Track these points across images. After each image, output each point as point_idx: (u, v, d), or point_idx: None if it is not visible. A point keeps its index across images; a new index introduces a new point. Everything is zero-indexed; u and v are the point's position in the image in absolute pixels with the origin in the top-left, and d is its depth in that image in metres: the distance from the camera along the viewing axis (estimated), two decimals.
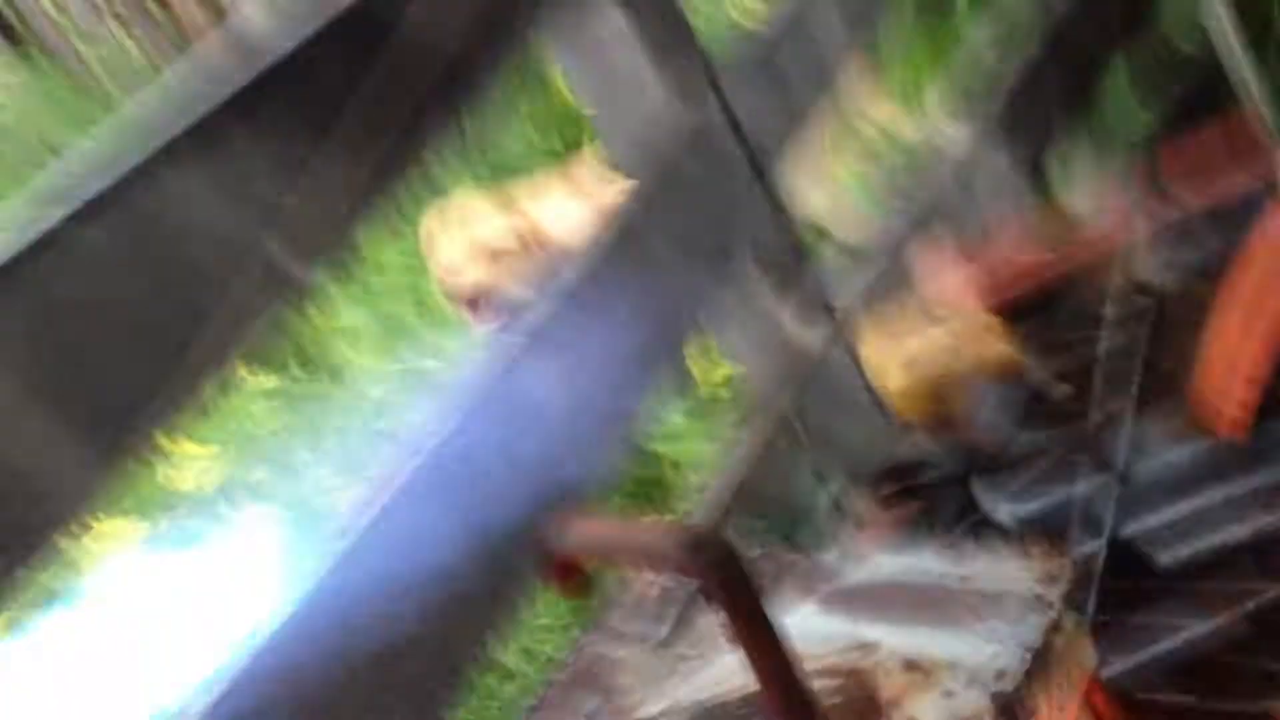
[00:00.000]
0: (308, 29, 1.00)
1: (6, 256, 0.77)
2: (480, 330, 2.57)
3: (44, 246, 0.79)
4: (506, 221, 2.54)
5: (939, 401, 1.05)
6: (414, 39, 1.04)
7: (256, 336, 0.87)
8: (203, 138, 0.89)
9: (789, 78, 1.51)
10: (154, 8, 5.14)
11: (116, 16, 5.30)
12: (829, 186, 2.54)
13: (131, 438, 0.79)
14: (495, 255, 2.50)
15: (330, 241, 0.94)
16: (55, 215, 0.80)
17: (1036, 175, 1.74)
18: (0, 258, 0.76)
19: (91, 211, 0.81)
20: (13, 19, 5.57)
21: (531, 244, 2.52)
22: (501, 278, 2.50)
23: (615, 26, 1.31)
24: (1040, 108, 1.80)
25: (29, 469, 0.76)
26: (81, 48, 5.49)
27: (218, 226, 0.88)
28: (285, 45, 0.98)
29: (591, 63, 1.33)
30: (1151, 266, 1.01)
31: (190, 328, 0.83)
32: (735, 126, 1.41)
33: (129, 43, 5.32)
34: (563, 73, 1.35)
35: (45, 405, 0.77)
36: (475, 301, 2.49)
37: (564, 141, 3.08)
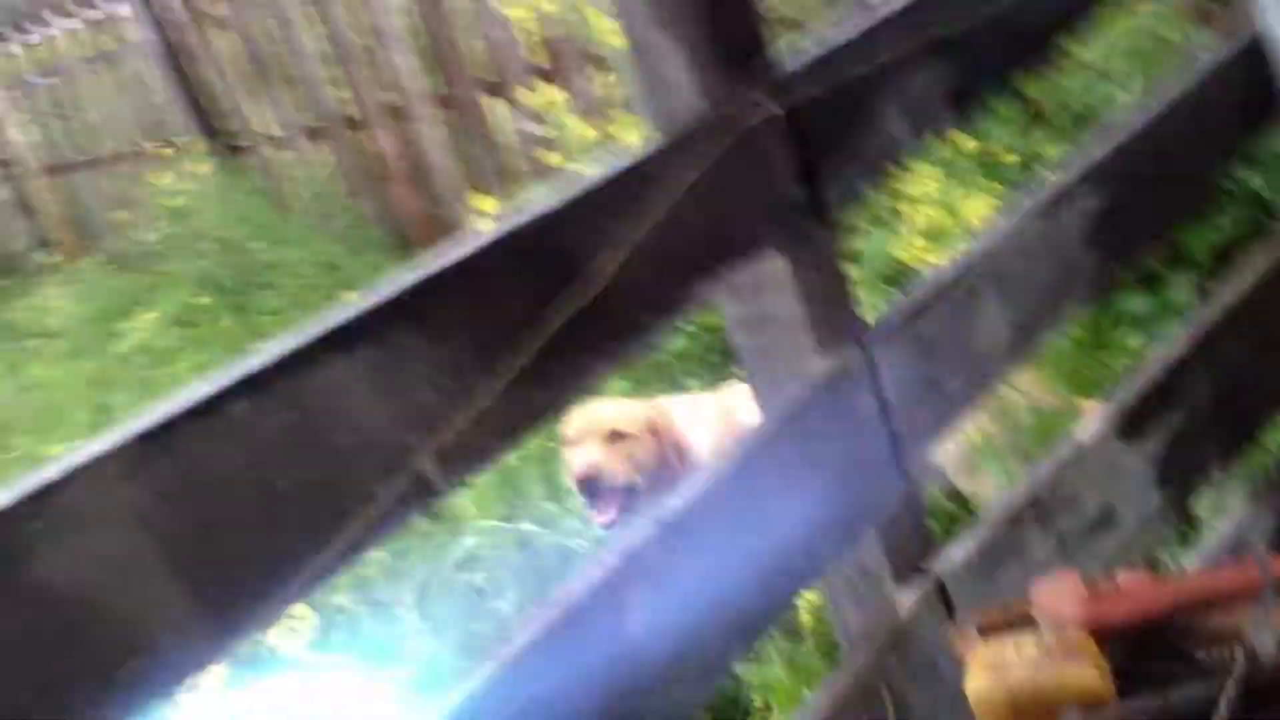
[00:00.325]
0: (482, 239, 1.07)
1: (161, 421, 0.82)
2: (584, 507, 2.61)
3: (200, 414, 0.84)
4: (641, 410, 2.59)
5: (1015, 714, 1.03)
6: (597, 270, 1.10)
7: (391, 535, 0.91)
8: (371, 331, 0.96)
9: (937, 342, 1.52)
10: (347, 132, 5.42)
11: (308, 131, 5.59)
12: (957, 436, 2.54)
13: (259, 610, 0.83)
14: (618, 438, 2.55)
15: (479, 461, 0.99)
16: (217, 386, 0.86)
17: (1180, 508, 1.73)
18: (157, 422, 0.82)
19: (250, 387, 0.87)
20: (214, 115, 5.93)
21: (659, 437, 2.57)
22: (617, 461, 2.54)
23: (775, 271, 1.35)
24: (1199, 448, 1.78)
25: (153, 627, 0.80)
26: (270, 154, 5.80)
27: (372, 424, 0.93)
28: (462, 250, 1.05)
29: (747, 301, 1.38)
30: (1263, 627, 0.99)
31: (329, 518, 0.88)
32: (875, 385, 1.43)
33: (315, 158, 5.61)
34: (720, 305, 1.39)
35: (177, 567, 0.82)
36: (586, 478, 2.53)
37: (719, 362, 3.16)
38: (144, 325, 5.34)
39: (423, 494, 0.94)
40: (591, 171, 1.19)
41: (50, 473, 0.79)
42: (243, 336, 5.11)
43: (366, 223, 5.37)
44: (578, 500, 2.62)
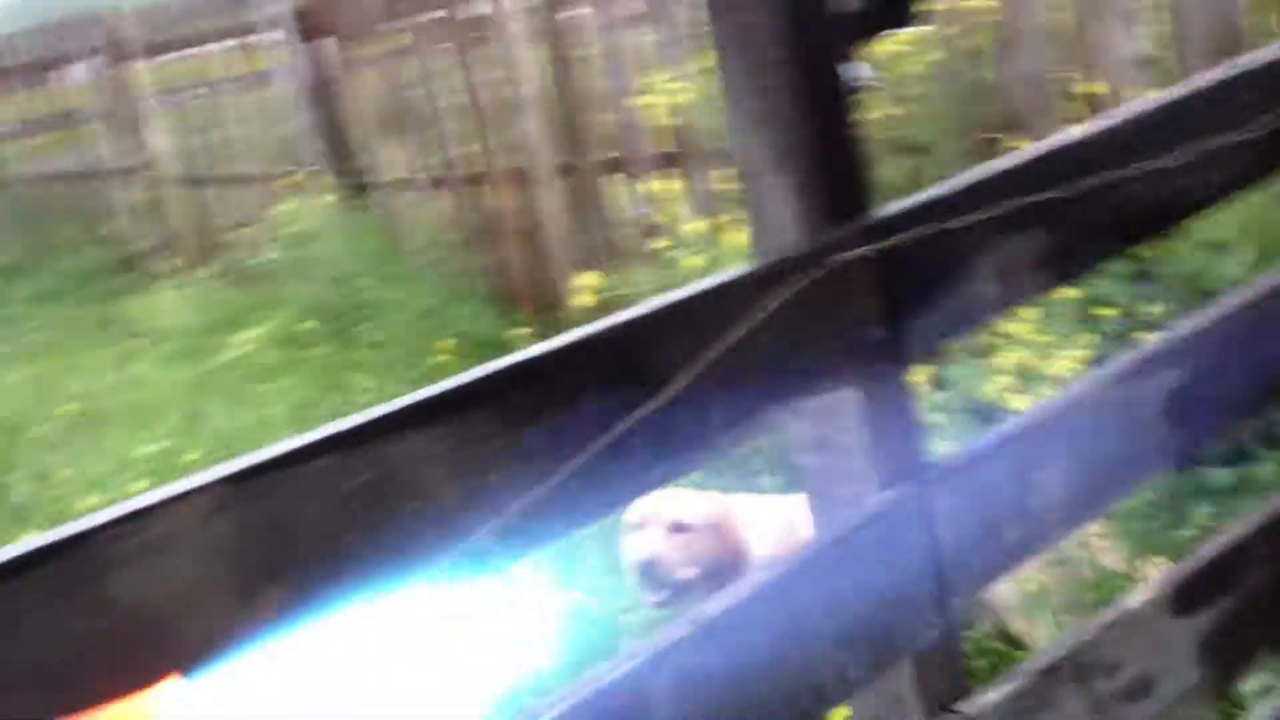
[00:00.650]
0: (569, 338, 1.15)
1: (253, 465, 0.91)
2: (637, 588, 2.66)
3: (289, 463, 0.92)
4: (707, 505, 2.65)
5: None
6: (673, 381, 1.17)
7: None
8: (454, 410, 1.03)
9: (998, 491, 1.56)
10: (469, 186, 5.59)
11: (433, 180, 5.78)
12: (1016, 581, 2.55)
13: None
14: (681, 530, 2.60)
15: (537, 542, 1.06)
16: (308, 440, 0.94)
17: (1224, 688, 1.73)
18: (250, 465, 0.91)
19: (338, 445, 0.95)
20: (345, 150, 6.14)
21: (721, 535, 2.62)
22: (677, 552, 2.60)
23: (846, 401, 1.40)
24: (1251, 632, 1.78)
25: (215, 648, 0.88)
26: (392, 196, 5.98)
27: (441, 495, 1.00)
28: (548, 346, 1.13)
29: (815, 424, 1.43)
30: None
31: (389, 575, 0.96)
32: (929, 523, 1.47)
33: (435, 206, 5.79)
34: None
35: (245, 598, 0.90)
36: (644, 564, 2.59)
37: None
38: (247, 341, 5.52)
39: (479, 565, 1.00)
40: (685, 288, 1.26)
41: (150, 498, 0.87)
42: (338, 365, 5.26)
43: (474, 274, 5.51)
44: (632, 580, 2.67)
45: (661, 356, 1.20)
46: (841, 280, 1.34)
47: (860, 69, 1.34)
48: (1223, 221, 3.12)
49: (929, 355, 1.45)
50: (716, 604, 1.26)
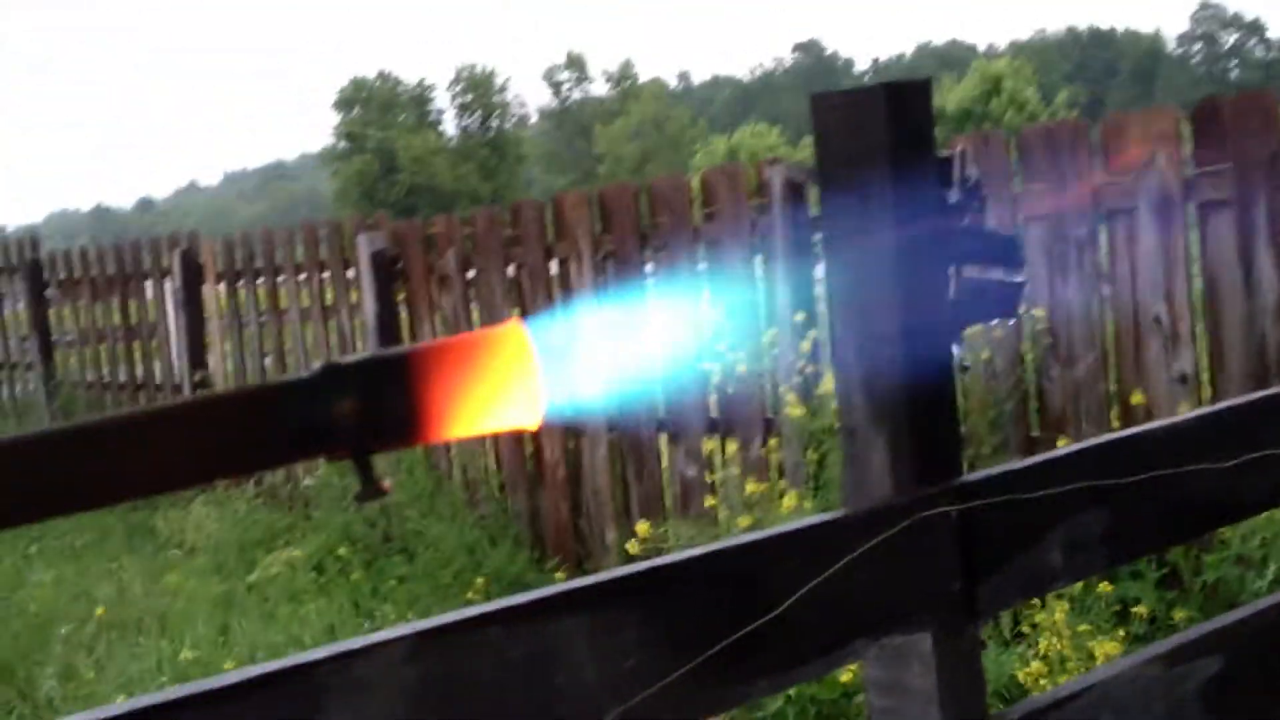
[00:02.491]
0: (698, 552, 1.29)
1: (439, 625, 1.05)
2: None
3: (467, 628, 1.06)
4: None
5: None
6: (775, 603, 1.31)
7: None
8: (601, 600, 1.17)
9: None
10: (515, 434, 5.79)
11: None
12: None
13: None
14: None
15: None
16: (482, 611, 1.08)
17: None
18: (437, 625, 1.04)
19: (505, 618, 1.09)
20: None
21: None
22: None
23: (921, 647, 1.53)
24: None
25: None
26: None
27: (582, 673, 1.13)
28: (682, 557, 1.27)
29: (888, 666, 1.55)
30: None
31: None
32: None
33: (483, 446, 5.96)
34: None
35: None
36: None
37: None
38: (281, 561, 5.62)
39: None
40: (793, 522, 1.41)
41: (354, 644, 1.00)
42: (367, 594, 5.35)
43: (513, 517, 5.64)
44: None
45: (770, 579, 1.34)
46: (926, 535, 1.49)
47: (958, 349, 1.53)
48: (1252, 539, 3.25)
49: (997, 612, 1.58)
50: None
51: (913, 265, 1.50)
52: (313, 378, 0.83)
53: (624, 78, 78.14)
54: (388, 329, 6.34)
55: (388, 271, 6.36)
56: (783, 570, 1.37)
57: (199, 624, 5.03)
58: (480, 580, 5.06)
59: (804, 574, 1.37)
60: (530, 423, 0.87)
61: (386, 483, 0.88)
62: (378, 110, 65.78)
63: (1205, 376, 3.69)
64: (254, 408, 0.84)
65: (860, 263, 1.52)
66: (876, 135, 1.48)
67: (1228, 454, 1.78)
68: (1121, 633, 3.13)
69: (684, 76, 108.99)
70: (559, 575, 4.93)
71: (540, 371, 0.86)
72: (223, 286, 7.99)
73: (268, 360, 7.64)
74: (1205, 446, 1.76)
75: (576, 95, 79.57)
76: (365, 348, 6.52)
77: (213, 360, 8.00)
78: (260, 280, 7.63)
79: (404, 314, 6.42)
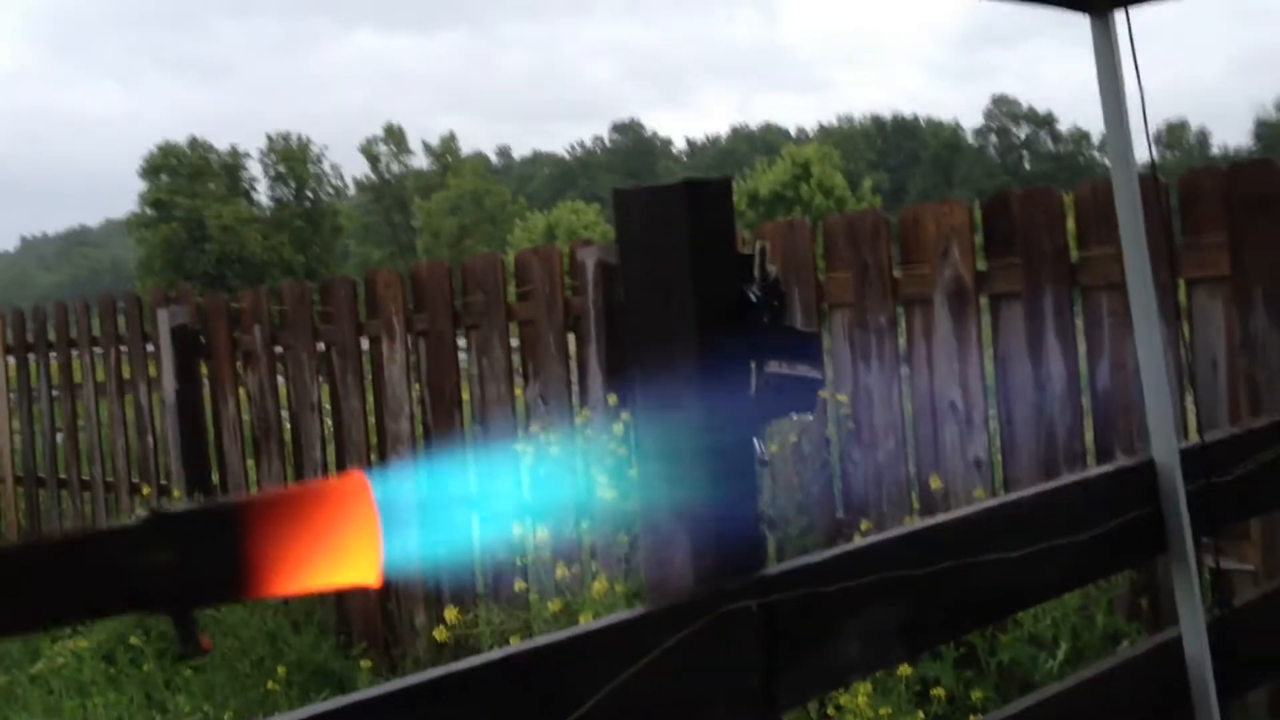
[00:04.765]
0: (490, 657, 1.26)
1: None
2: None
3: None
4: None
5: None
6: (574, 704, 1.28)
7: None
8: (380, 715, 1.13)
9: None
10: None
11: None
12: None
13: None
14: None
15: None
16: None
17: None
18: None
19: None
20: (205, 467, 6.14)
21: None
22: None
23: None
24: None
25: None
26: None
27: None
28: (470, 663, 1.24)
29: None
30: None
31: None
32: None
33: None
34: None
35: None
36: None
37: None
38: (69, 651, 5.32)
39: None
40: (586, 622, 1.39)
41: None
42: (160, 685, 5.09)
43: (316, 602, 5.47)
44: None
45: (572, 680, 1.32)
46: (727, 630, 1.49)
47: (759, 443, 1.54)
48: (1045, 618, 3.37)
49: (796, 706, 1.59)
50: None
51: (714, 360, 1.51)
52: (134, 528, 0.78)
53: (444, 151, 78.08)
54: (188, 406, 6.12)
55: (190, 346, 6.16)
56: (586, 670, 1.35)
57: None
58: (282, 670, 4.87)
59: (606, 674, 1.35)
60: (369, 580, 0.83)
61: (206, 641, 0.82)
62: (187, 178, 64.08)
63: (998, 459, 3.83)
64: (68, 558, 0.78)
65: (662, 357, 1.53)
66: (676, 231, 1.50)
67: (1018, 543, 1.84)
68: (921, 714, 3.19)
69: (504, 152, 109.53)
70: (365, 663, 4.78)
71: (380, 526, 0.82)
72: (12, 360, 7.61)
73: (59, 437, 7.29)
74: (996, 537, 1.82)
75: (395, 168, 79.10)
76: (164, 425, 6.28)
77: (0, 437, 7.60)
78: (54, 354, 7.29)
79: (207, 390, 6.22)
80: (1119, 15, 2.05)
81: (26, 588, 0.77)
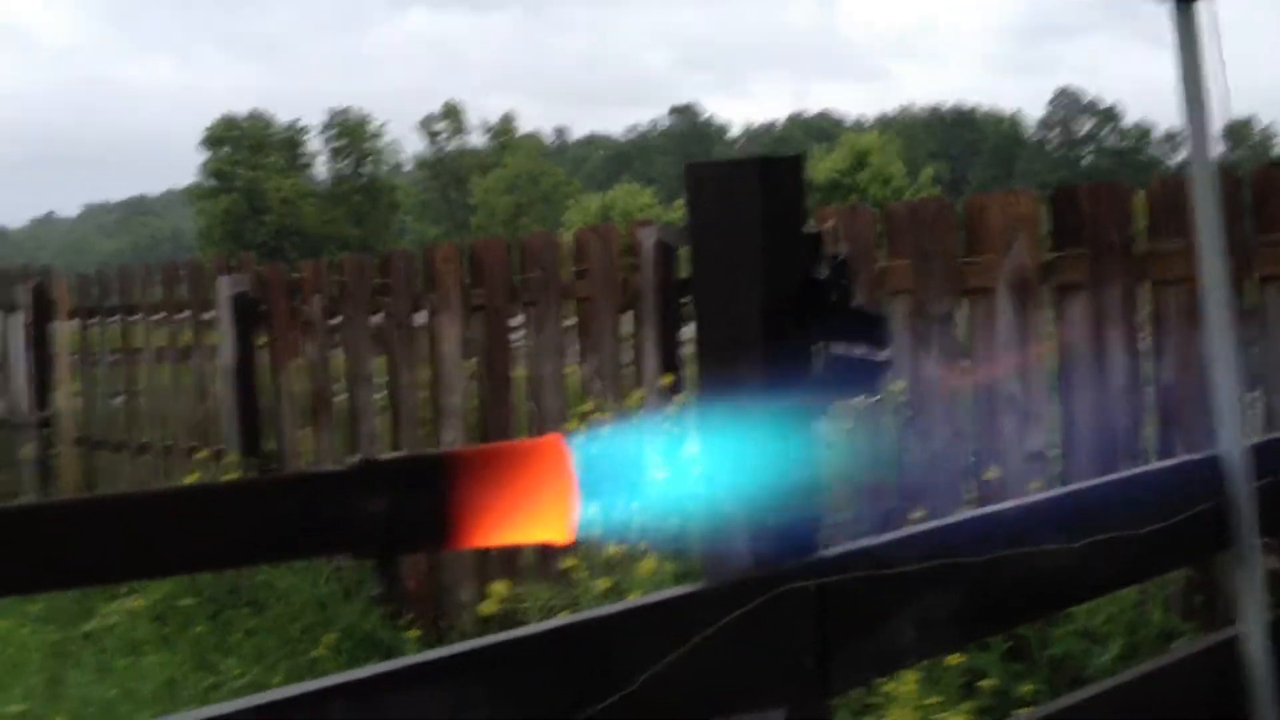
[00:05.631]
0: (543, 627, 1.26)
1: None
2: None
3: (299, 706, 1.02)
4: None
5: None
6: (629, 679, 1.28)
7: None
8: (443, 674, 1.13)
9: None
10: None
11: (338, 464, 5.84)
12: None
13: None
14: None
15: None
16: (316, 687, 1.04)
17: None
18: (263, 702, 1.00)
19: (349, 695, 1.05)
20: (260, 434, 6.20)
21: None
22: None
23: None
24: None
25: None
26: None
27: None
28: (529, 631, 1.24)
29: None
30: None
31: None
32: None
33: None
34: None
35: None
36: None
37: None
38: (122, 610, 5.40)
39: None
40: (648, 596, 1.39)
41: (187, 717, 0.95)
42: (211, 647, 5.16)
43: (368, 571, 5.52)
44: None
45: (624, 655, 1.31)
46: (783, 610, 1.48)
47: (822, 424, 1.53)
48: (1098, 613, 3.33)
49: (850, 689, 1.58)
50: None
51: (779, 340, 1.50)
52: (346, 471, 0.79)
53: (501, 131, 78.26)
54: (245, 373, 6.18)
55: (249, 315, 6.22)
56: (638, 645, 1.34)
57: (29, 675, 4.79)
58: (331, 637, 4.91)
59: (659, 649, 1.35)
60: (561, 538, 0.84)
61: (411, 584, 0.84)
62: (248, 150, 64.67)
63: (1056, 453, 3.79)
64: (282, 497, 0.79)
65: (727, 334, 1.52)
66: (749, 208, 1.49)
67: (1077, 534, 1.81)
68: (969, 705, 3.17)
69: (561, 132, 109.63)
70: (412, 634, 4.82)
71: (576, 487, 0.83)
72: (75, 323, 7.72)
73: (118, 400, 7.40)
74: (1055, 526, 1.79)
75: (453, 145, 79.42)
76: (222, 391, 6.35)
77: (61, 399, 7.71)
78: (115, 318, 7.39)
79: (266, 359, 6.28)
80: (1203, 5, 2.01)
81: (241, 522, 0.78)
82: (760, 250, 1.48)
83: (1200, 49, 2.05)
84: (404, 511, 0.79)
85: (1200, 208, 2.03)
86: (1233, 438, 2.00)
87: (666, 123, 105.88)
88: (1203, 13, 2.02)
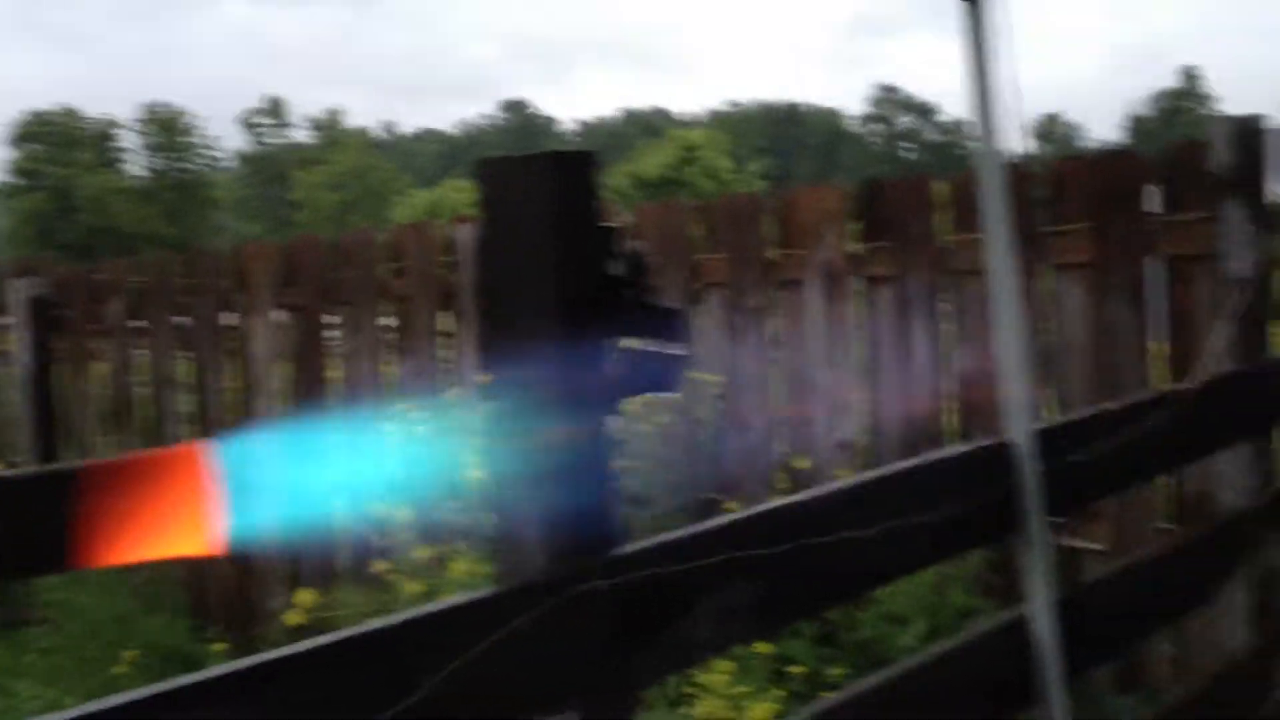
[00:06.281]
0: (325, 640, 1.22)
1: None
2: None
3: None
4: None
5: None
6: (417, 686, 1.25)
7: None
8: (213, 699, 1.08)
9: None
10: None
11: None
12: None
13: None
14: None
15: None
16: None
17: None
18: None
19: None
20: (59, 443, 5.93)
21: None
22: None
23: None
24: None
25: None
26: None
27: None
28: (306, 645, 1.19)
29: None
30: None
31: None
32: None
33: None
34: None
35: None
36: None
37: None
38: None
39: None
40: (440, 601, 1.35)
41: None
42: (4, 670, 4.90)
43: (171, 583, 5.32)
44: None
45: (417, 664, 1.28)
46: (577, 609, 1.46)
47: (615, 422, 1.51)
48: (900, 596, 3.41)
49: (649, 688, 1.57)
50: None
51: (573, 336, 1.48)
52: None
53: (327, 125, 76.69)
54: (42, 380, 5.90)
55: (48, 319, 5.94)
56: (426, 652, 1.31)
57: None
58: (133, 653, 4.70)
59: (449, 655, 1.32)
60: (207, 550, 0.79)
61: (33, 613, 0.77)
62: (58, 146, 61.95)
63: (866, 441, 3.87)
64: None
65: (520, 331, 1.49)
66: (541, 203, 1.46)
67: (872, 522, 1.84)
68: (781, 692, 3.20)
69: (389, 127, 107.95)
70: (218, 646, 4.66)
71: (221, 496, 0.78)
72: None
73: None
74: (851, 515, 1.81)
75: (276, 141, 77.45)
76: (17, 400, 6.05)
77: None
78: None
79: (65, 364, 6.00)
80: (992, 2, 2.06)
81: None
82: (553, 246, 1.46)
83: (987, 45, 2.10)
84: (23, 530, 0.74)
85: (988, 200, 2.08)
86: (1021, 424, 2.06)
87: (499, 118, 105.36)
88: (992, 10, 2.07)
